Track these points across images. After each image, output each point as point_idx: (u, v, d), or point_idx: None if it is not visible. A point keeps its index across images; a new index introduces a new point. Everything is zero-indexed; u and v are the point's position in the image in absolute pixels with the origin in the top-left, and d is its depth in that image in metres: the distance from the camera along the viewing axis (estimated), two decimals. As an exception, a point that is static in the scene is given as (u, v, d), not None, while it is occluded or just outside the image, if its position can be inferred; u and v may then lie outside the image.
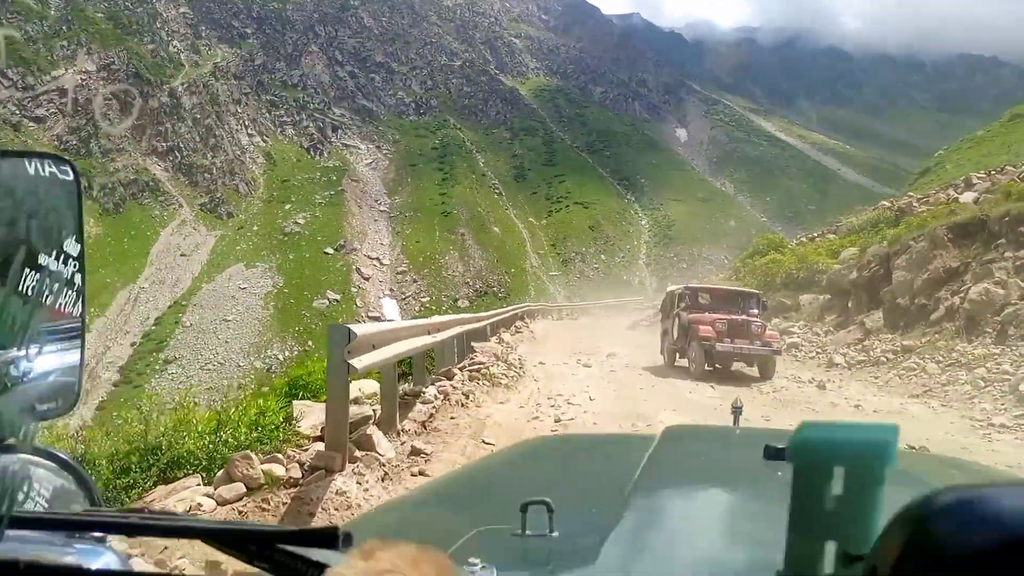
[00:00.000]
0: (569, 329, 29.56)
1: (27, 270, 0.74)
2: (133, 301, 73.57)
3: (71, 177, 0.85)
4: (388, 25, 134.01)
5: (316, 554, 0.52)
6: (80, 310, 0.78)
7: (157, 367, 63.35)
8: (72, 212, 0.83)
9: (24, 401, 0.77)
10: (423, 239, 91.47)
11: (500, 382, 10.88)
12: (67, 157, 0.84)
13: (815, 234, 27.02)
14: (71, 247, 0.75)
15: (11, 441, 0.68)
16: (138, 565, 1.80)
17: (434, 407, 7.92)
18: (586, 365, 14.56)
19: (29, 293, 0.74)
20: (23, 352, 0.74)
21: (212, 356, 65.82)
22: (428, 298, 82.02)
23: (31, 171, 0.84)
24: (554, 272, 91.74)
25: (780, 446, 1.30)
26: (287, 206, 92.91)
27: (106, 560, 0.59)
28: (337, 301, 77.37)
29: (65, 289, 0.76)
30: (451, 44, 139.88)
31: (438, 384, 9.27)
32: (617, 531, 1.01)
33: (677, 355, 15.19)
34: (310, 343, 61.41)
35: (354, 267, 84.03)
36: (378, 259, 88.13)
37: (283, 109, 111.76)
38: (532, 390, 10.82)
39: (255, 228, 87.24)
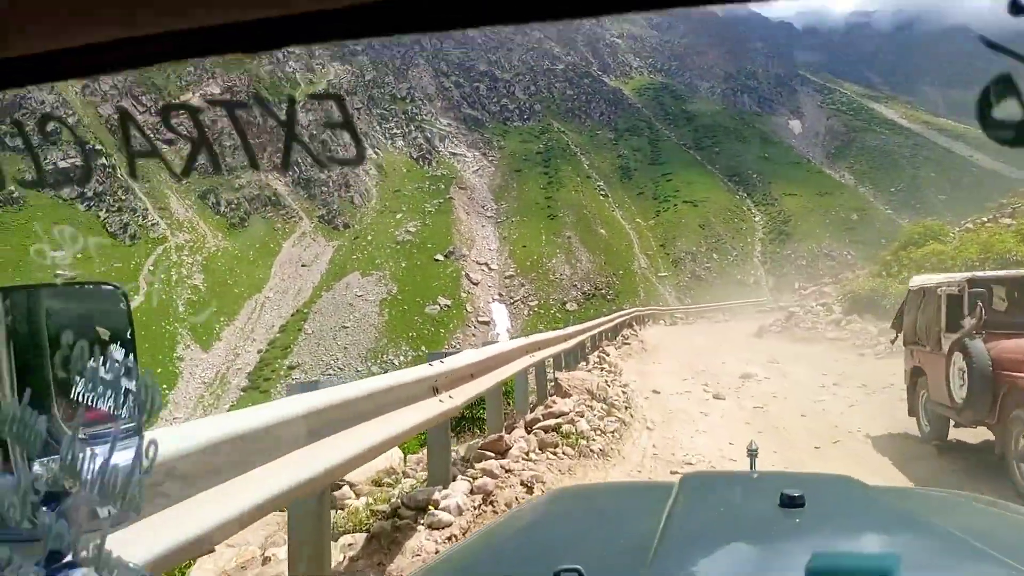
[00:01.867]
0: (684, 337, 27.46)
1: (78, 378, 0.75)
2: (259, 310, 77.69)
3: (120, 296, 0.96)
4: (491, 34, 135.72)
5: None
6: (136, 414, 0.77)
7: (282, 373, 66.51)
8: (121, 326, 0.89)
9: (81, 512, 0.74)
10: (530, 243, 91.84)
11: (591, 447, 7.10)
12: (118, 284, 0.93)
13: (984, 219, 24.13)
14: (119, 355, 0.77)
15: (69, 557, 0.65)
16: None
17: (459, 528, 4.41)
18: (717, 396, 11.41)
19: (80, 400, 0.74)
20: (82, 456, 0.73)
21: (332, 362, 68.58)
22: (536, 302, 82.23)
23: (84, 295, 0.98)
24: (663, 273, 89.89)
25: (795, 493, 1.46)
26: (398, 215, 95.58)
27: None
28: (448, 307, 78.90)
29: (115, 393, 0.76)
30: (553, 48, 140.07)
31: (479, 468, 5.54)
32: None
33: (952, 423, 7.40)
34: (423, 348, 62.79)
35: (463, 273, 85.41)
36: (486, 264, 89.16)
37: (393, 122, 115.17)
38: (643, 453, 7.32)
39: (369, 237, 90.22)
